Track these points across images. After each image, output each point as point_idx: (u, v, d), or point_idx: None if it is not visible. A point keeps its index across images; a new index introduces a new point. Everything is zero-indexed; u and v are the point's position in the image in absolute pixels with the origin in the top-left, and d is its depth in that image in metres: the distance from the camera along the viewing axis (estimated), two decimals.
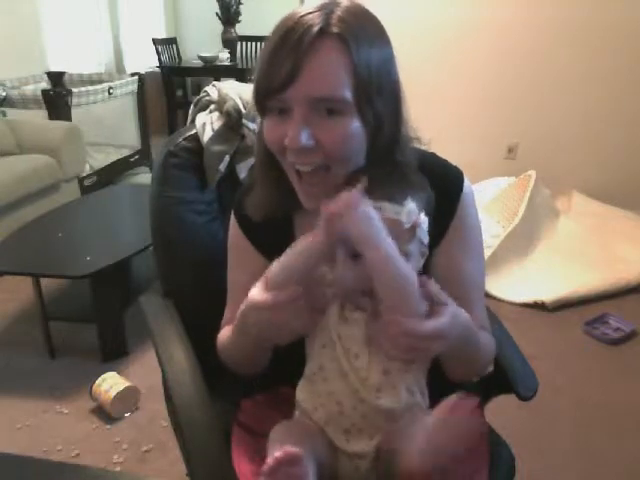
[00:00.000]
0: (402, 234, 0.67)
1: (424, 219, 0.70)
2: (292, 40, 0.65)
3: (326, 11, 0.68)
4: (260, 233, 0.86)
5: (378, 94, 0.70)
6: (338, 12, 0.68)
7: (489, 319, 0.89)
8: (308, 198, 0.76)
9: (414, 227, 0.69)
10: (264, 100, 0.71)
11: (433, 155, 0.87)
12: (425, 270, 0.75)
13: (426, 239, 0.72)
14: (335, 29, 0.66)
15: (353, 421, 0.73)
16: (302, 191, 0.76)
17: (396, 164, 0.75)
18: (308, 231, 0.73)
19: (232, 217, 0.91)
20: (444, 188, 0.80)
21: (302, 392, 0.77)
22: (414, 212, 0.69)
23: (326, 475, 0.71)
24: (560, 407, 1.80)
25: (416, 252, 0.71)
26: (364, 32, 0.69)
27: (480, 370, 0.87)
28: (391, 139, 0.75)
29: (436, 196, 0.74)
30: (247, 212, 0.84)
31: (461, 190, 0.82)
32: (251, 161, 1.19)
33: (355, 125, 0.69)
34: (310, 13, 0.67)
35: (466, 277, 0.83)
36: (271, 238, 0.82)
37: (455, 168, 0.85)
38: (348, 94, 0.67)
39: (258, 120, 1.18)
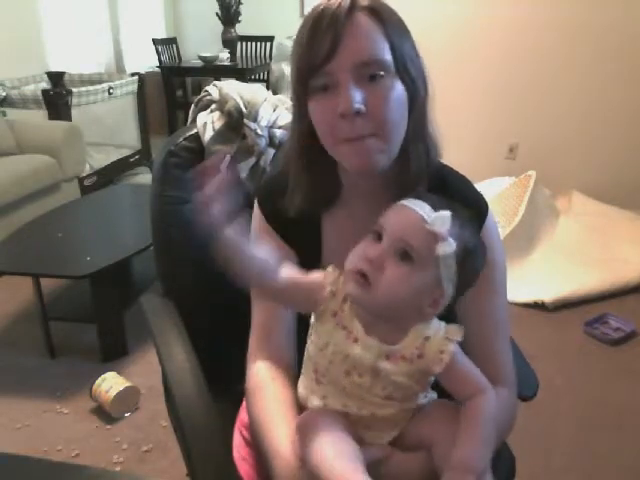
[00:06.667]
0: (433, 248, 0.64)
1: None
2: (327, 19, 0.69)
3: None
4: (287, 227, 0.83)
5: (411, 62, 0.73)
6: None
7: None
8: (355, 169, 0.74)
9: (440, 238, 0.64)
10: (308, 78, 0.71)
11: (463, 177, 0.85)
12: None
13: None
14: (365, 2, 0.70)
15: (360, 419, 0.70)
16: (350, 163, 0.73)
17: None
18: (336, 232, 0.78)
19: (256, 210, 0.87)
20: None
21: (302, 388, 0.75)
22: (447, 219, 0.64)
23: None
24: (560, 407, 1.80)
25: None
26: (390, 9, 0.73)
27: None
28: (421, 121, 0.76)
29: None
30: (279, 206, 0.81)
31: (483, 221, 0.80)
32: (251, 161, 1.20)
33: (398, 87, 0.71)
34: None
35: (487, 316, 0.82)
36: (298, 234, 0.81)
37: (482, 198, 0.83)
38: (388, 56, 0.70)
39: (260, 119, 1.19)
